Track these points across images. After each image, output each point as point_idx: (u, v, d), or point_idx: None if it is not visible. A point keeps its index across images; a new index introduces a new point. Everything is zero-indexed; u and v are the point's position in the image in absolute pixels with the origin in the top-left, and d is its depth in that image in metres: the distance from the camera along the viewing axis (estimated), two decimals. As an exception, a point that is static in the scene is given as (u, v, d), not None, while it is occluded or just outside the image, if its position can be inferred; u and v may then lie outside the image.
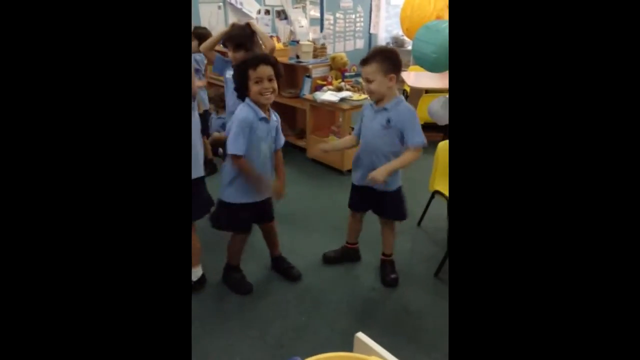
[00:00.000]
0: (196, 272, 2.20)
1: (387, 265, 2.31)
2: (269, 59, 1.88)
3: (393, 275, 2.28)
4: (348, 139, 2.26)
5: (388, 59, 1.91)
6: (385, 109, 1.98)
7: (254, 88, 1.85)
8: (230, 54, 2.57)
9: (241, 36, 2.52)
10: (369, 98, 2.09)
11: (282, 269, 2.34)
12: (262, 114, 1.91)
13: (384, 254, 2.33)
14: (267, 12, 5.13)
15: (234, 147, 1.87)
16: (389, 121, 1.97)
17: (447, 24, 2.22)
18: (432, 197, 2.60)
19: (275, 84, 1.89)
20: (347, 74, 3.90)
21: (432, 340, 1.89)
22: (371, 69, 1.91)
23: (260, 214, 2.14)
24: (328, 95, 3.52)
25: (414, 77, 4.62)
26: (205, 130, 3.55)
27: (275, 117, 2.02)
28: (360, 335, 0.92)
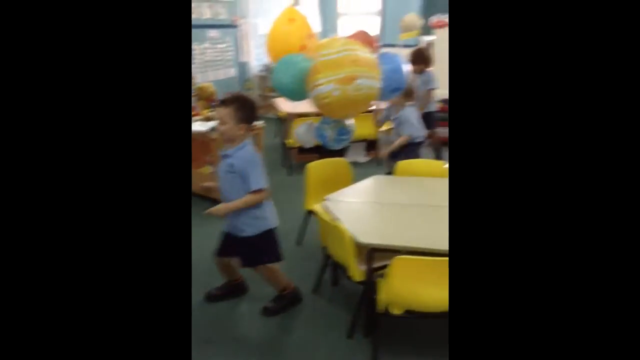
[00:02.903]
0: None
1: (277, 298, 2.26)
2: None
3: (270, 305, 2.23)
4: None
5: (243, 109, 1.94)
6: (227, 155, 1.99)
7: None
8: None
9: None
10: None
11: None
12: None
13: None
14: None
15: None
16: (232, 166, 1.97)
17: (301, 57, 2.39)
18: (309, 215, 2.68)
19: None
20: (214, 103, 3.88)
21: None
22: (225, 112, 1.93)
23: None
24: (197, 126, 3.48)
25: (288, 103, 4.73)
26: None
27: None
28: None
